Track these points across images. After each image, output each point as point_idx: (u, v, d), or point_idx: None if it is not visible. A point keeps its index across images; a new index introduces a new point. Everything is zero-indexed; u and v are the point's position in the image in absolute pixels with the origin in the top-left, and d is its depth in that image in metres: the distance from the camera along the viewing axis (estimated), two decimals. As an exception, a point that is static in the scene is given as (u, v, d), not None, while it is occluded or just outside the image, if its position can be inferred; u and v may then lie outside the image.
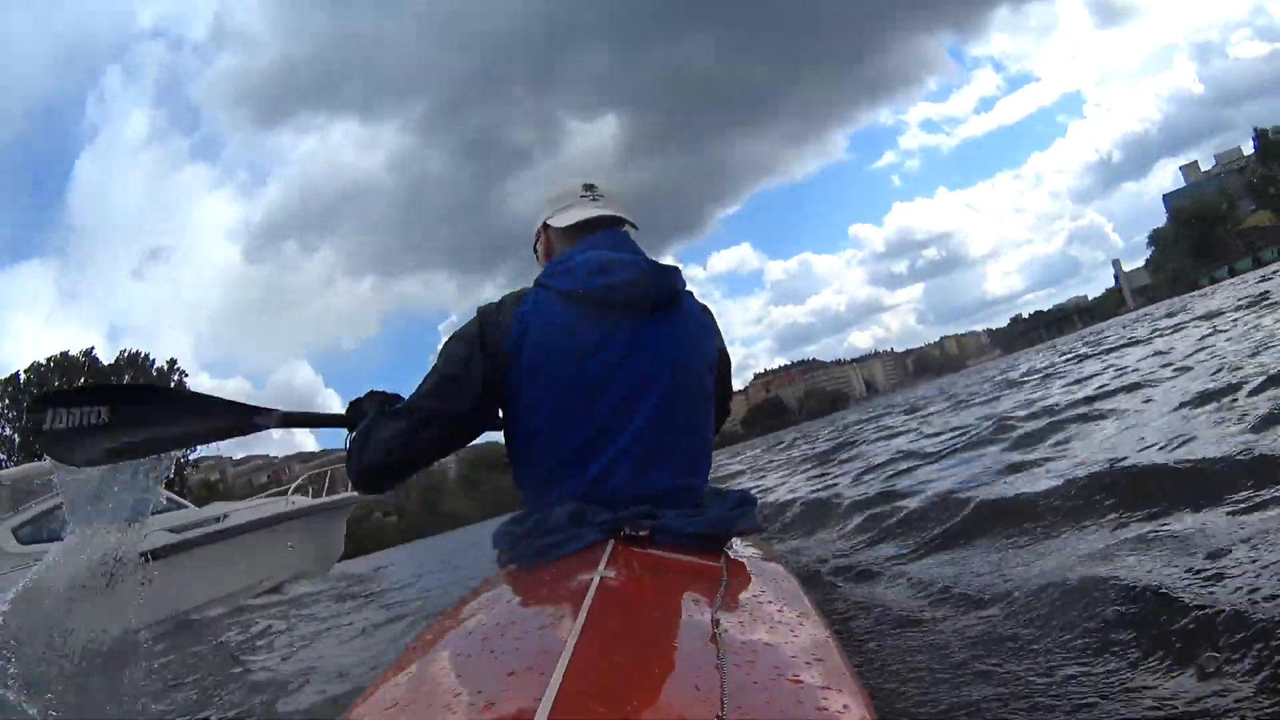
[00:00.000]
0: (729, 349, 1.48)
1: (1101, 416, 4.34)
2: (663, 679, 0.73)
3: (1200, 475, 2.24)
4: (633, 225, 1.41)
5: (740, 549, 1.24)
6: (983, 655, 1.55)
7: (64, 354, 37.56)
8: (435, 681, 0.79)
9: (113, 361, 38.70)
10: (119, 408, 1.70)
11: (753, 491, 1.50)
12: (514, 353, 1.23)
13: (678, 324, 1.28)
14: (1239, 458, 2.24)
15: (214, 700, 3.46)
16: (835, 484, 5.32)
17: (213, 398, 1.69)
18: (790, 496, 5.32)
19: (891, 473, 4.93)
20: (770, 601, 0.99)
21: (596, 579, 0.90)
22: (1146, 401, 4.39)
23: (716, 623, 0.81)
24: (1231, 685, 1.17)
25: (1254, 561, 1.53)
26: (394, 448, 1.29)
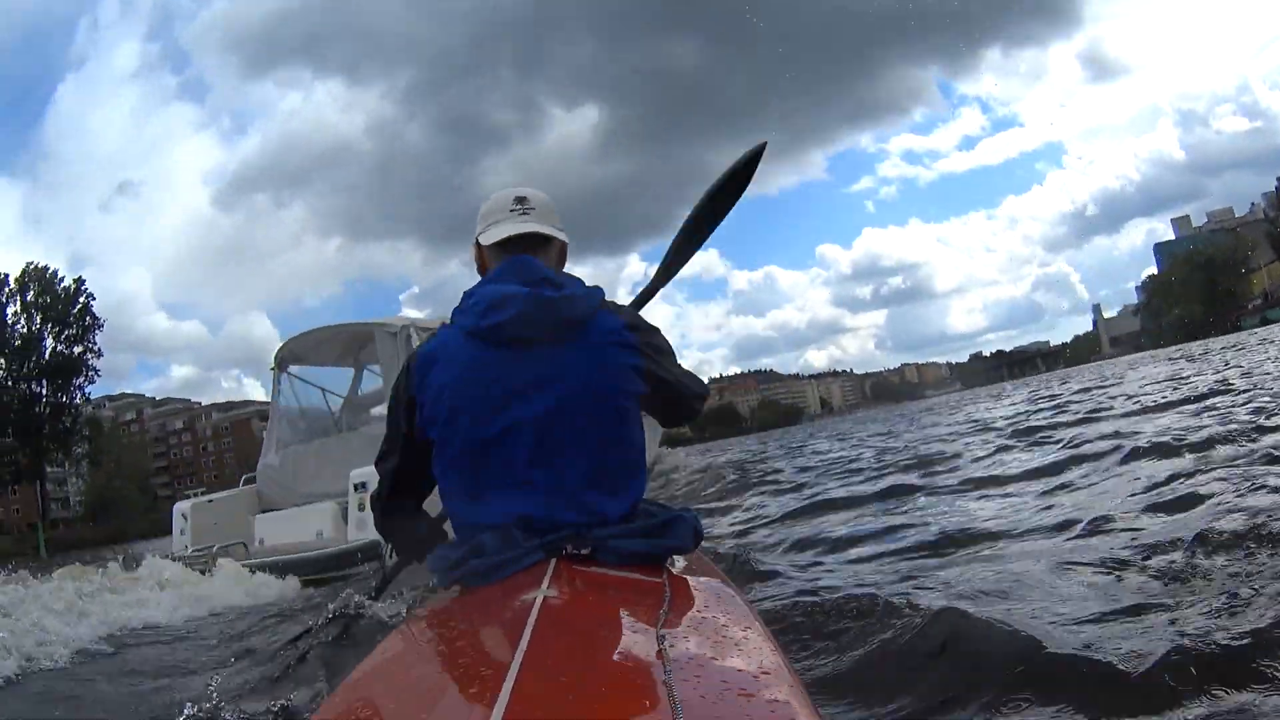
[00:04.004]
0: (687, 351, 1.47)
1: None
2: (610, 696, 0.73)
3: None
4: (559, 237, 1.40)
5: (682, 565, 1.25)
6: (923, 663, 1.59)
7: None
8: (382, 707, 0.77)
9: (18, 275, 36.99)
10: None
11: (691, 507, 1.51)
12: (419, 391, 1.30)
13: (583, 349, 1.28)
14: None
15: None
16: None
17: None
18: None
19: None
20: (715, 615, 0.99)
21: (540, 598, 0.89)
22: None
23: (662, 639, 0.81)
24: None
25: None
26: (382, 491, 1.44)
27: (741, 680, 0.77)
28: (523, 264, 1.34)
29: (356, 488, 5.35)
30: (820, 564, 3.13)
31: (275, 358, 7.29)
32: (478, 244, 1.43)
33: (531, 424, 1.23)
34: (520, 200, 1.40)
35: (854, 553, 3.22)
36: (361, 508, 5.28)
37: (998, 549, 2.74)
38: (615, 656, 0.83)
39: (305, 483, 6.34)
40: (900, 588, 2.34)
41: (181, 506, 6.48)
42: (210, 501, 6.60)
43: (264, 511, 6.33)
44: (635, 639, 0.87)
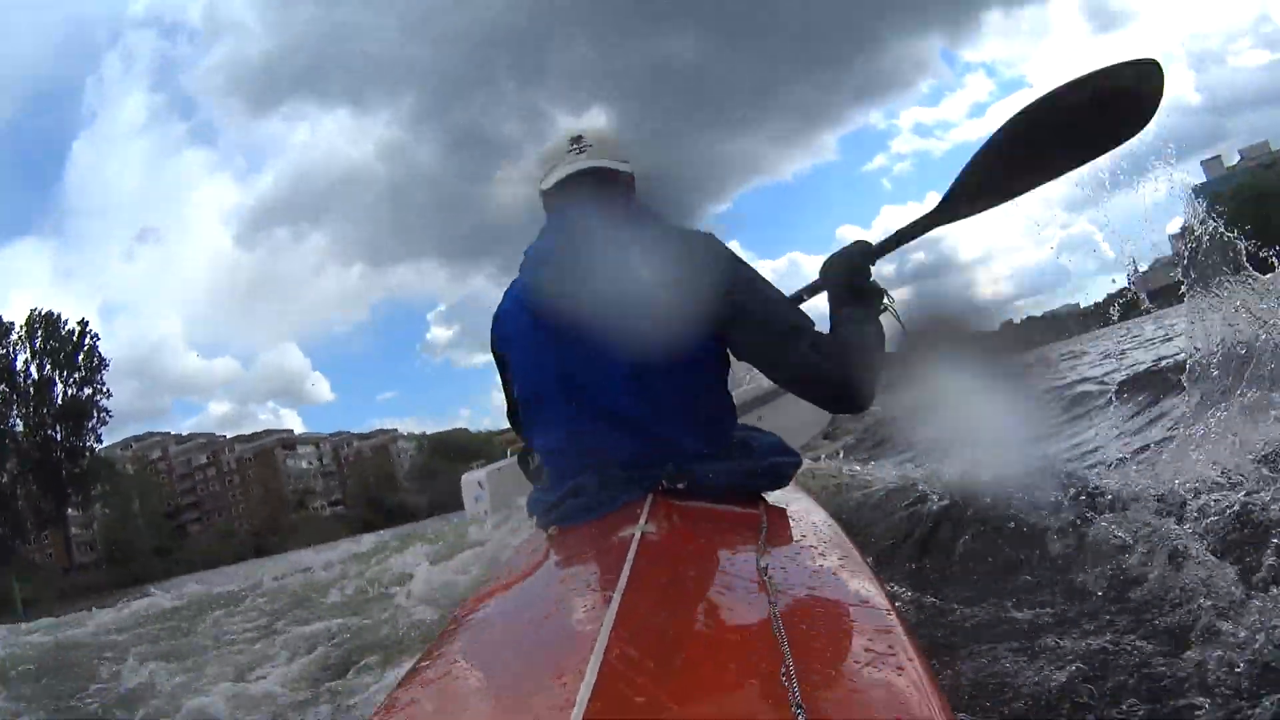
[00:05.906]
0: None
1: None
2: (715, 625, 0.73)
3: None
4: (621, 171, 1.32)
5: (779, 495, 1.23)
6: (1028, 611, 1.51)
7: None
8: (489, 642, 0.80)
9: (24, 321, 37.62)
10: None
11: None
12: (504, 349, 1.35)
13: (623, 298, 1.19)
14: None
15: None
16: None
17: None
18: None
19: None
20: (813, 546, 0.98)
21: (638, 534, 0.88)
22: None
23: (763, 569, 0.80)
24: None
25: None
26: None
27: (842, 609, 0.77)
28: (564, 219, 1.31)
29: None
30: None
31: None
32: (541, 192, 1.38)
33: (602, 374, 1.19)
34: (576, 139, 1.34)
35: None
36: None
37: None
38: (716, 588, 0.83)
39: None
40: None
41: (475, 476, 7.10)
42: (500, 470, 7.15)
43: None
44: (736, 570, 0.86)
